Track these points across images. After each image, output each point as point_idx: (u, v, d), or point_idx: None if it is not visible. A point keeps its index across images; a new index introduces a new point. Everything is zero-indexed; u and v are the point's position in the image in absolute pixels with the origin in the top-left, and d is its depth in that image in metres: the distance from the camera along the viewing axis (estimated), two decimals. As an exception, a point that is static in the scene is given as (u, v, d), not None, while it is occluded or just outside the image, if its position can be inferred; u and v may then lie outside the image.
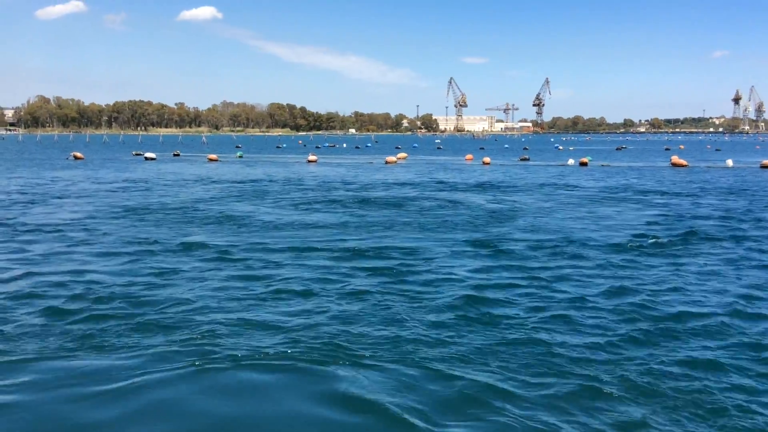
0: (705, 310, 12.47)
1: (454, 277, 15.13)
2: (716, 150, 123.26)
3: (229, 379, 8.94)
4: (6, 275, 15.12)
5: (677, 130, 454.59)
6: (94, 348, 10.18)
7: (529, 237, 20.88)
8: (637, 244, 19.54)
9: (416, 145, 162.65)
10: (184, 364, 9.40)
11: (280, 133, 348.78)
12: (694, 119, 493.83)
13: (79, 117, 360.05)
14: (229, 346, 10.16)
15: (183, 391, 8.56)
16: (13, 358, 9.70)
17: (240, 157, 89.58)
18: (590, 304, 12.83)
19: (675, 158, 73.68)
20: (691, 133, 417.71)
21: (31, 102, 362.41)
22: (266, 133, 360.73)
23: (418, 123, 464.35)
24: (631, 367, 9.47)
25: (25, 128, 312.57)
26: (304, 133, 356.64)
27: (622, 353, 10.10)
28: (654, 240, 20.19)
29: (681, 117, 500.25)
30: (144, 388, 8.59)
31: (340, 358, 9.65)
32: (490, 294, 13.54)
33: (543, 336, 10.81)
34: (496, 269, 16.06)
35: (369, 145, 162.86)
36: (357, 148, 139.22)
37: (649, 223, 24.45)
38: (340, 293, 13.55)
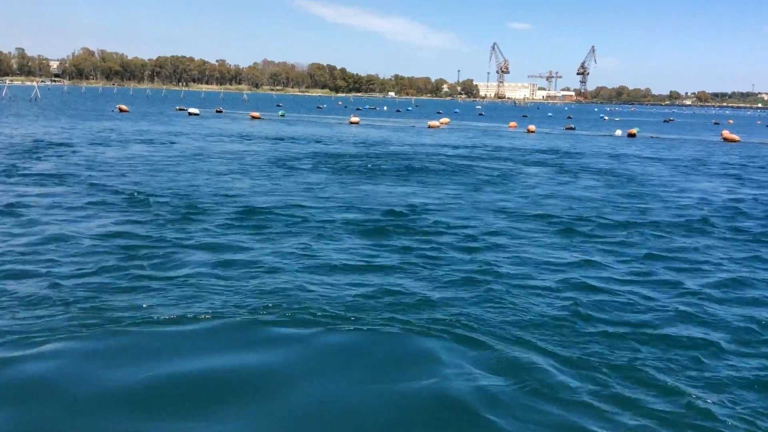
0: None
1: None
2: (767, 126, 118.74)
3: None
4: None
5: (724, 104, 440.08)
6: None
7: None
8: None
9: (457, 110, 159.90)
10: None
11: (319, 94, 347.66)
12: (742, 94, 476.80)
13: (123, 70, 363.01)
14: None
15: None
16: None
17: (282, 116, 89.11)
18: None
19: (726, 133, 70.89)
20: (739, 107, 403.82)
21: (76, 54, 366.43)
22: (305, 93, 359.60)
23: (459, 88, 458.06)
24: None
25: (69, 80, 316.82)
26: (344, 95, 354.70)
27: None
28: None
29: (728, 91, 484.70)
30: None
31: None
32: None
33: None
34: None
35: (410, 108, 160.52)
36: (398, 111, 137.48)
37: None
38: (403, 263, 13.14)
